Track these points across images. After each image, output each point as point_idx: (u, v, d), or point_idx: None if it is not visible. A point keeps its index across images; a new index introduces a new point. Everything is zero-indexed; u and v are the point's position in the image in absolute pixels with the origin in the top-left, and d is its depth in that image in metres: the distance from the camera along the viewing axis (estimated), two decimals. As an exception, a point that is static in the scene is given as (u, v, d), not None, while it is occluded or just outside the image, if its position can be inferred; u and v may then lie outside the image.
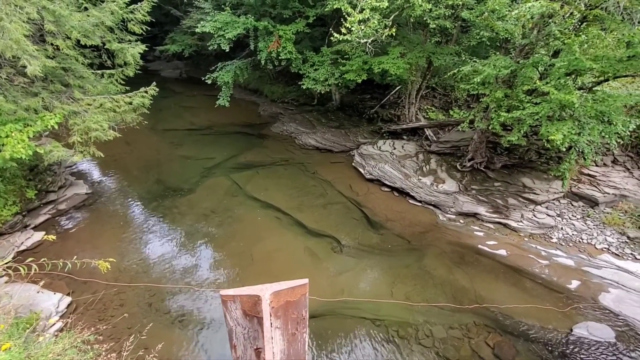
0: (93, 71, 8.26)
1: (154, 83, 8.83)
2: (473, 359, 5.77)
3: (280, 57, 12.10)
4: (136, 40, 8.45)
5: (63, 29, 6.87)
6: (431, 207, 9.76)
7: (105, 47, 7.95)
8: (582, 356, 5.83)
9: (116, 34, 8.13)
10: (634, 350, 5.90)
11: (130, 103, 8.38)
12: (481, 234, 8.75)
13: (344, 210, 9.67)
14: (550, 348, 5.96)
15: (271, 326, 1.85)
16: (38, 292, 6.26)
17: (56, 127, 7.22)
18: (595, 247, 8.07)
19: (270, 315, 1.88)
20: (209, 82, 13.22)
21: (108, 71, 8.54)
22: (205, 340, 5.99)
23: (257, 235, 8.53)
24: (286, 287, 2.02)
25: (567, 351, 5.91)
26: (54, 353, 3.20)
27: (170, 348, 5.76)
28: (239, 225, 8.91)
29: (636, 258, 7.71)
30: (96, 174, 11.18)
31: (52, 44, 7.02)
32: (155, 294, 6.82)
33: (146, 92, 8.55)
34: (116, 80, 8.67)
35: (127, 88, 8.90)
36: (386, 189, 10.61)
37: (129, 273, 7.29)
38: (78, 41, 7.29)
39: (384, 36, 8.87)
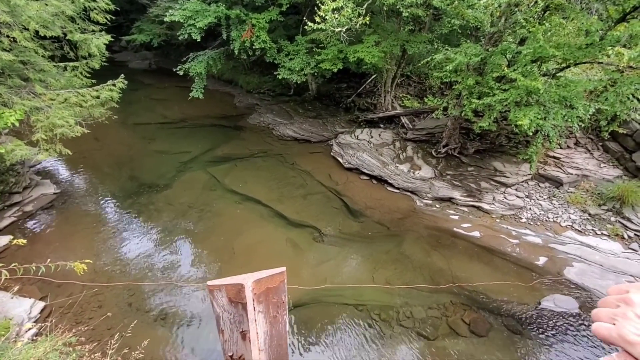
0: (55, 64, 7.81)
1: (122, 75, 8.48)
2: (451, 336, 6.08)
3: (254, 47, 11.87)
4: (100, 30, 8.05)
5: (19, 20, 6.43)
6: (409, 194, 10.02)
7: (67, 38, 7.52)
8: (549, 326, 6.27)
9: (78, 24, 7.71)
10: (595, 318, 6.40)
11: (98, 97, 8.02)
12: (456, 217, 9.10)
13: (324, 200, 9.77)
14: (521, 321, 6.37)
15: (254, 310, 1.98)
16: (12, 298, 5.99)
17: (17, 124, 6.81)
18: (560, 225, 8.60)
19: (253, 301, 2.01)
20: (181, 73, 12.80)
21: (71, 64, 8.11)
22: (189, 335, 5.97)
23: (238, 229, 8.48)
24: (266, 275, 2.18)
25: (536, 322, 6.34)
26: (35, 357, 3.10)
27: (154, 346, 5.70)
28: (219, 220, 8.82)
29: (596, 233, 8.29)
30: (64, 173, 10.66)
31: (8, 36, 6.57)
32: (134, 293, 6.68)
33: (114, 85, 8.21)
34: (81, 73, 8.25)
35: (94, 81, 8.50)
36: (365, 177, 10.77)
37: (105, 274, 7.09)
38: (37, 32, 6.85)
39: (358, 25, 8.87)
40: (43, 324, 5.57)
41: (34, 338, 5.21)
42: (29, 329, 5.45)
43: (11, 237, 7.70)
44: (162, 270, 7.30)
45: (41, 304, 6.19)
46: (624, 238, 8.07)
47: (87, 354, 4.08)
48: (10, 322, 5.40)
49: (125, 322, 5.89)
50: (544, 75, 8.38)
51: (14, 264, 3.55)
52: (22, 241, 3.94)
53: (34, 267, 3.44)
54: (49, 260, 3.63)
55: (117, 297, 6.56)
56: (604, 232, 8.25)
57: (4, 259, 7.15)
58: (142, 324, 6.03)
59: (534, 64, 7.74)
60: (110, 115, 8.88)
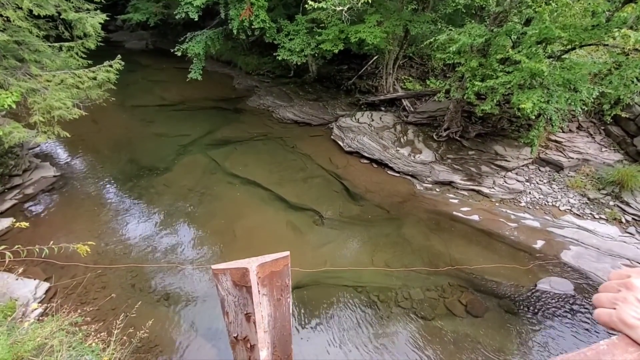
0: (50, 44, 7.63)
1: (119, 56, 8.31)
2: (448, 317, 6.22)
3: (253, 26, 11.57)
4: (95, 9, 7.84)
5: (11, -2, 6.25)
6: (409, 177, 10.03)
7: (62, 17, 7.32)
8: (545, 308, 6.41)
9: (72, 2, 7.48)
10: (589, 299, 6.54)
11: (95, 78, 7.88)
12: (456, 201, 9.14)
13: (325, 183, 9.78)
14: (517, 302, 6.50)
15: (259, 293, 2.01)
16: (17, 280, 6.08)
17: (14, 106, 6.72)
18: (559, 209, 8.65)
19: (258, 284, 2.03)
20: (179, 54, 12.53)
21: (67, 44, 7.91)
22: (192, 316, 6.10)
23: (239, 212, 8.53)
24: (270, 259, 2.21)
25: (532, 304, 6.48)
26: (41, 337, 3.19)
27: (158, 325, 5.84)
28: (219, 203, 8.85)
29: (594, 217, 8.35)
30: (64, 156, 10.62)
31: (1, 15, 6.39)
32: (137, 274, 6.79)
33: (111, 65, 8.05)
34: (76, 53, 8.06)
35: (90, 62, 8.33)
36: (365, 161, 10.75)
37: (108, 255, 7.17)
38: (30, 11, 6.66)
39: (360, 3, 8.62)
40: (48, 305, 5.68)
41: (40, 318, 5.32)
42: (35, 309, 5.56)
43: (13, 219, 7.76)
44: (164, 252, 7.39)
45: (46, 285, 6.29)
46: (621, 222, 8.14)
47: (93, 333, 4.18)
48: (16, 303, 5.51)
49: (129, 303, 6.00)
50: (549, 57, 8.22)
51: (17, 246, 3.59)
52: (24, 224, 3.97)
53: (37, 249, 3.47)
54: (52, 242, 3.66)
55: (120, 279, 6.66)
56: (602, 216, 8.30)
57: (6, 241, 7.22)
58: (145, 304, 6.15)
59: (539, 46, 7.58)
60: (108, 97, 8.77)
